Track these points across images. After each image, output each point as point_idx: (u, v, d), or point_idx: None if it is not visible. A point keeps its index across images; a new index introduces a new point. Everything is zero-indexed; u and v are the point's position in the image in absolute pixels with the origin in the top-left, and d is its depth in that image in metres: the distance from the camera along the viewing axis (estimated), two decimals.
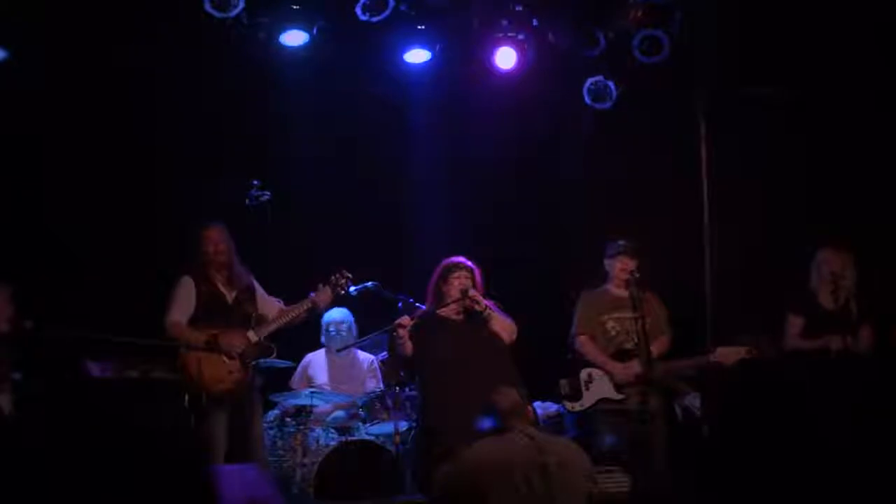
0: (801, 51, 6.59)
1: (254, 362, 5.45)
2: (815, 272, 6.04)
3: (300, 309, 5.58)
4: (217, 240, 5.50)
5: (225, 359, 5.33)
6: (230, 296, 5.50)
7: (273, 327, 5.53)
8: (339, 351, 6.28)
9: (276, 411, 6.27)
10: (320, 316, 6.25)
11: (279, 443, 5.86)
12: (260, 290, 5.64)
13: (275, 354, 5.58)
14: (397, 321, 5.34)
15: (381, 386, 6.31)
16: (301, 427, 5.89)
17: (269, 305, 5.64)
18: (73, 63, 6.19)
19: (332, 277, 5.65)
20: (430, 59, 6.81)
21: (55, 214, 6.30)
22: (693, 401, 6.14)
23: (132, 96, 6.40)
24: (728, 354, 5.57)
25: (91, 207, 6.32)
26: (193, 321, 5.39)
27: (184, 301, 5.40)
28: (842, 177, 6.65)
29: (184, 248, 5.58)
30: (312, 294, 5.59)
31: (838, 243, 6.03)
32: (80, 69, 6.22)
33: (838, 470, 5.41)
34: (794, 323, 6.01)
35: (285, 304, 5.67)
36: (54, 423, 5.18)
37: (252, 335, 5.44)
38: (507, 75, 6.84)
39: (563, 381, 5.82)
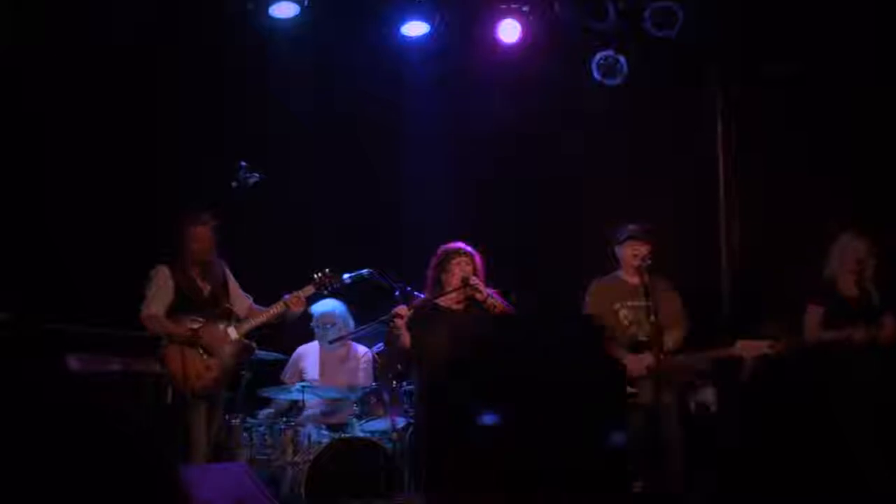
0: (823, 24, 6.52)
1: (232, 360, 5.47)
2: (836, 258, 5.96)
3: (271, 312, 5.58)
4: (204, 239, 5.49)
5: (205, 355, 5.36)
6: (206, 289, 5.53)
7: (248, 327, 5.55)
8: (332, 343, 6.22)
9: (269, 409, 6.21)
10: (309, 315, 6.21)
11: (269, 440, 5.80)
12: (233, 284, 5.67)
13: (254, 352, 5.59)
14: (394, 311, 5.30)
15: (373, 380, 6.23)
16: (292, 424, 5.83)
17: (240, 301, 5.66)
18: (54, 39, 6.12)
19: (316, 276, 5.63)
20: (429, 33, 6.75)
21: (34, 204, 6.22)
22: (708, 395, 6.08)
23: (115, 76, 6.33)
24: (749, 348, 5.48)
25: (72, 195, 6.25)
26: (169, 314, 5.42)
27: (161, 292, 5.42)
28: (861, 159, 6.58)
29: (168, 236, 5.54)
30: (286, 296, 5.57)
31: (859, 228, 5.95)
32: (64, 46, 6.16)
33: (857, 468, 5.37)
34: (814, 313, 5.92)
35: (255, 302, 5.67)
36: (28, 419, 5.17)
37: (233, 332, 5.47)
38: (511, 49, 6.79)
39: None
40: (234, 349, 5.47)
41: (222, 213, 5.65)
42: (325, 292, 5.70)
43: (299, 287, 5.61)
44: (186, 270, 5.48)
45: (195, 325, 5.36)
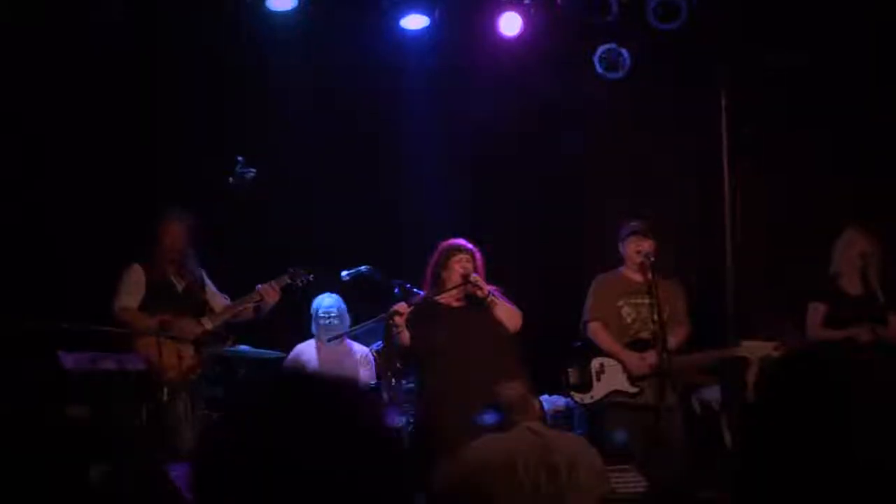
0: (828, 15, 6.48)
1: (208, 350, 5.54)
2: (840, 254, 5.92)
3: (246, 303, 5.63)
4: (177, 235, 5.57)
5: (178, 345, 5.39)
6: (181, 285, 5.61)
7: (222, 318, 5.61)
8: (329, 341, 6.19)
9: None
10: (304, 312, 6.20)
11: None
12: (209, 284, 5.73)
13: (231, 343, 5.64)
14: (393, 308, 5.27)
15: (374, 378, 6.22)
16: None
17: (216, 300, 5.72)
18: (50, 33, 6.09)
19: (290, 268, 5.70)
20: (429, 26, 6.70)
21: (28, 201, 6.19)
22: (712, 394, 6.05)
23: (108, 67, 6.29)
24: (754, 349, 5.45)
25: (67, 192, 6.21)
26: (142, 308, 5.48)
27: (133, 287, 5.49)
28: (866, 155, 6.54)
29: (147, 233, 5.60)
30: (259, 286, 5.61)
31: (864, 223, 5.91)
32: (60, 40, 6.12)
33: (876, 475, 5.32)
34: (817, 311, 5.87)
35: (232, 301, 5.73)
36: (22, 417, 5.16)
37: (206, 322, 5.53)
38: (512, 43, 6.74)
39: (571, 370, 5.74)
40: (209, 338, 5.52)
41: (220, 211, 5.66)
42: (300, 284, 5.74)
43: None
44: (160, 267, 5.54)
45: (166, 318, 5.41)
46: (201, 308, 5.61)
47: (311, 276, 5.77)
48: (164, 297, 5.51)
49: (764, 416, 1.55)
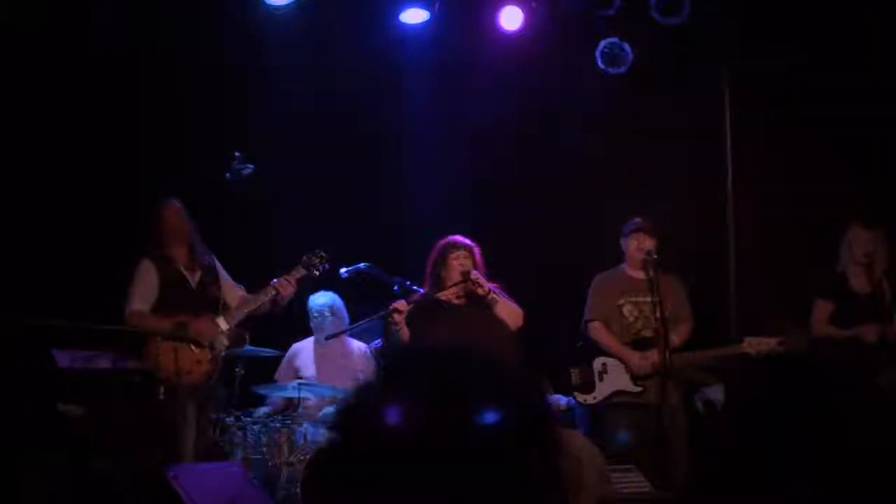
0: (832, 13, 6.43)
1: (224, 351, 5.42)
2: (845, 252, 5.87)
3: (261, 298, 5.50)
4: (174, 219, 5.44)
5: (194, 348, 5.29)
6: (193, 279, 5.47)
7: (238, 316, 5.48)
8: (328, 339, 6.14)
9: (266, 408, 6.14)
10: (289, 305, 6.13)
11: (264, 440, 5.71)
12: (223, 274, 5.61)
13: (247, 342, 5.54)
14: (392, 306, 5.22)
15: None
16: (287, 422, 5.75)
17: (232, 291, 5.60)
18: (43, 27, 6.05)
19: (304, 257, 5.57)
20: (429, 20, 6.68)
21: (23, 199, 6.15)
22: (715, 394, 5.99)
23: (108, 67, 6.25)
24: (757, 345, 5.39)
25: (61, 188, 6.18)
26: (156, 308, 5.35)
27: (145, 287, 5.35)
28: (871, 152, 6.49)
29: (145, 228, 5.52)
30: (275, 280, 5.49)
31: (868, 219, 5.85)
32: (47, 30, 6.08)
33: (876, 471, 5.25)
34: (823, 308, 5.82)
35: (248, 293, 5.60)
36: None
37: (222, 322, 5.40)
38: (513, 37, 6.71)
39: (574, 371, 5.69)
40: (225, 339, 5.41)
41: (220, 210, 5.61)
42: (316, 273, 5.62)
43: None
44: (169, 260, 5.41)
45: (181, 319, 5.27)
46: (216, 304, 5.46)
47: (326, 261, 5.61)
48: (178, 294, 5.37)
49: (763, 412, 1.52)
